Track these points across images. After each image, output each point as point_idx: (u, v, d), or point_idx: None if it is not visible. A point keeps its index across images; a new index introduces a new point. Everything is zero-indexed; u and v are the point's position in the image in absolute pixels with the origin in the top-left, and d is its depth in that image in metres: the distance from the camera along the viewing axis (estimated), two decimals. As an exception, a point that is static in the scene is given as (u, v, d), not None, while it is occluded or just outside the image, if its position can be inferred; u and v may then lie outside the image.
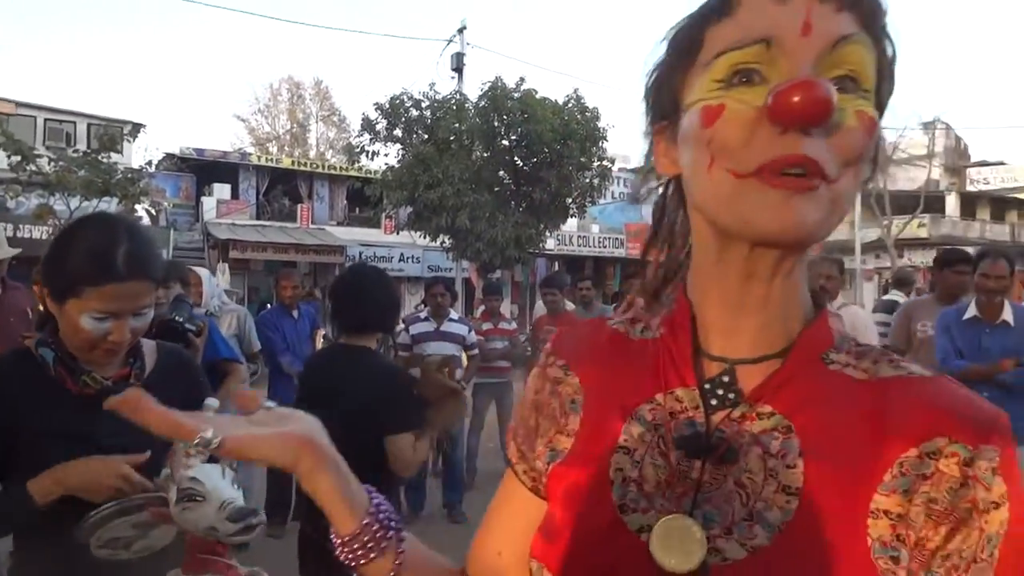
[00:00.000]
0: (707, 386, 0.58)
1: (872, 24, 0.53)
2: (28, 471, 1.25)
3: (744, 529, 0.52)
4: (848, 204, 0.53)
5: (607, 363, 0.66)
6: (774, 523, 0.52)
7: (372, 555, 0.58)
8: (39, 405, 1.31)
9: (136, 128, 17.10)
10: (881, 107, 0.56)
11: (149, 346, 1.48)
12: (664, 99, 0.60)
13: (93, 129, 17.48)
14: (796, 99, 0.47)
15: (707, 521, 0.53)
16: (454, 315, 5.05)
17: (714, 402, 0.58)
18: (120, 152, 14.86)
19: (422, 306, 11.40)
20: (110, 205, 14.16)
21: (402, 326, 5.15)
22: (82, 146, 16.11)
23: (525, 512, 0.68)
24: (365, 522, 0.57)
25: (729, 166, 0.51)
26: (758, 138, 0.50)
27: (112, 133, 14.67)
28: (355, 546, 0.57)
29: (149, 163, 16.57)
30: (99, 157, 14.11)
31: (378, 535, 0.57)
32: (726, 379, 0.58)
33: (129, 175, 14.45)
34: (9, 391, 1.32)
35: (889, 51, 0.55)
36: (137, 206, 15.00)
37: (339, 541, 0.58)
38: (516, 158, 13.96)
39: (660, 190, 0.68)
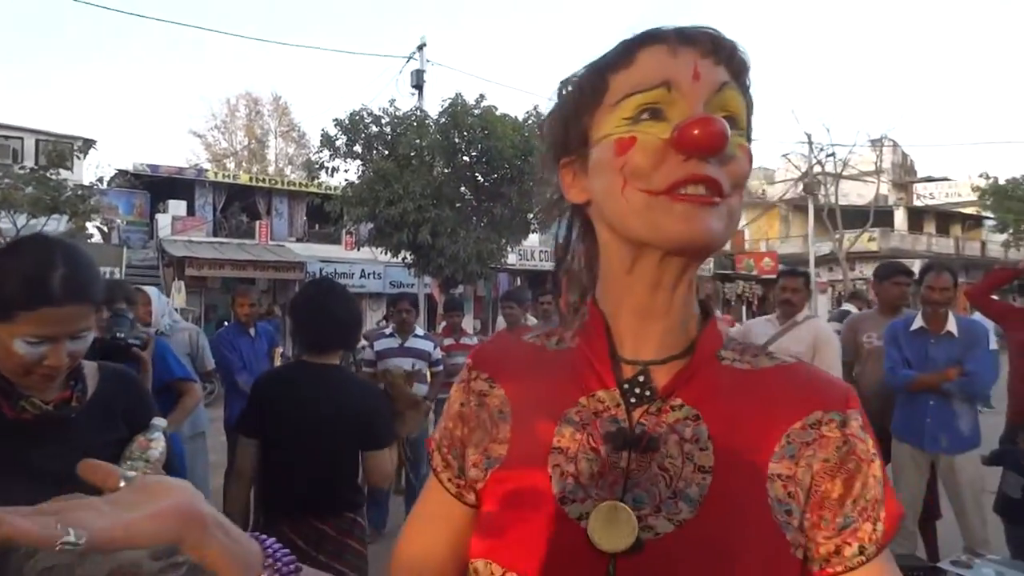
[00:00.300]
0: (626, 386, 0.67)
1: (740, 77, 0.64)
2: None
3: (670, 506, 0.61)
4: (737, 220, 0.63)
5: (529, 374, 0.73)
6: (694, 498, 0.61)
7: None
8: None
9: (87, 144, 16.67)
10: (748, 139, 0.66)
11: (91, 367, 1.44)
12: (571, 136, 0.68)
13: (41, 145, 17.02)
14: (698, 132, 0.57)
15: (637, 503, 0.62)
16: (419, 331, 5.01)
17: (633, 400, 0.66)
18: (70, 169, 14.48)
19: (384, 322, 11.31)
20: (59, 223, 13.77)
21: (365, 342, 5.10)
22: (30, 163, 15.63)
23: (449, 517, 0.74)
24: None
25: (641, 187, 0.60)
26: (667, 164, 0.59)
27: (61, 149, 14.29)
28: None
29: (100, 180, 16.16)
30: (48, 174, 13.73)
31: None
32: (642, 379, 0.66)
33: (79, 192, 14.07)
34: None
35: (750, 102, 0.66)
36: (88, 224, 14.61)
37: None
38: (477, 174, 14.01)
39: (566, 217, 0.76)
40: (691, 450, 0.62)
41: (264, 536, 0.59)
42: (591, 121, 0.66)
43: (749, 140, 0.66)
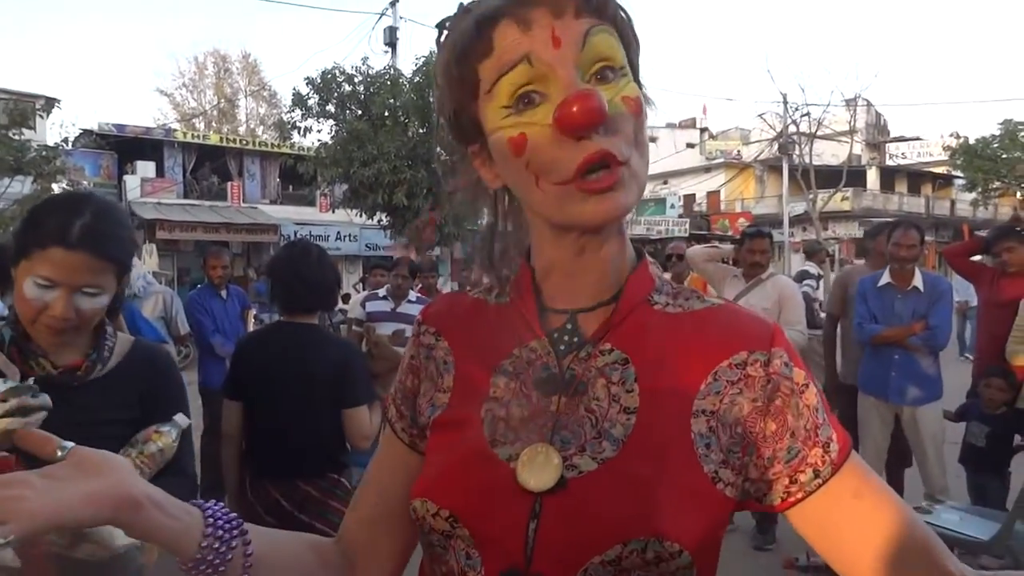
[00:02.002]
0: (555, 335, 0.70)
1: (607, 13, 0.63)
2: None
3: (594, 445, 0.64)
4: (645, 174, 0.64)
5: (470, 328, 0.76)
6: (618, 437, 0.64)
7: (221, 568, 0.59)
8: None
9: (50, 103, 16.14)
10: (635, 67, 0.66)
11: (124, 341, 1.41)
12: (467, 128, 0.69)
13: (1, 104, 16.47)
14: (575, 109, 0.58)
15: (564, 444, 0.64)
16: (413, 297, 5.00)
17: (562, 347, 0.69)
18: (33, 128, 14.03)
19: (360, 285, 11.20)
20: (23, 184, 13.41)
21: (358, 301, 5.09)
22: (-10, 122, 15.13)
23: (404, 466, 0.77)
24: (204, 544, 0.58)
25: (553, 179, 0.62)
26: (564, 149, 0.60)
27: (23, 108, 13.83)
28: (203, 567, 0.58)
29: (65, 140, 15.71)
30: (10, 133, 13.30)
31: (220, 549, 0.59)
32: (569, 327, 0.69)
33: (43, 153, 13.67)
34: None
35: (625, 17, 0.66)
36: (54, 185, 14.21)
37: (185, 568, 0.58)
38: (453, 134, 13.82)
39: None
40: (617, 392, 0.65)
41: (204, 501, 0.61)
42: (478, 113, 0.67)
43: (636, 73, 0.66)
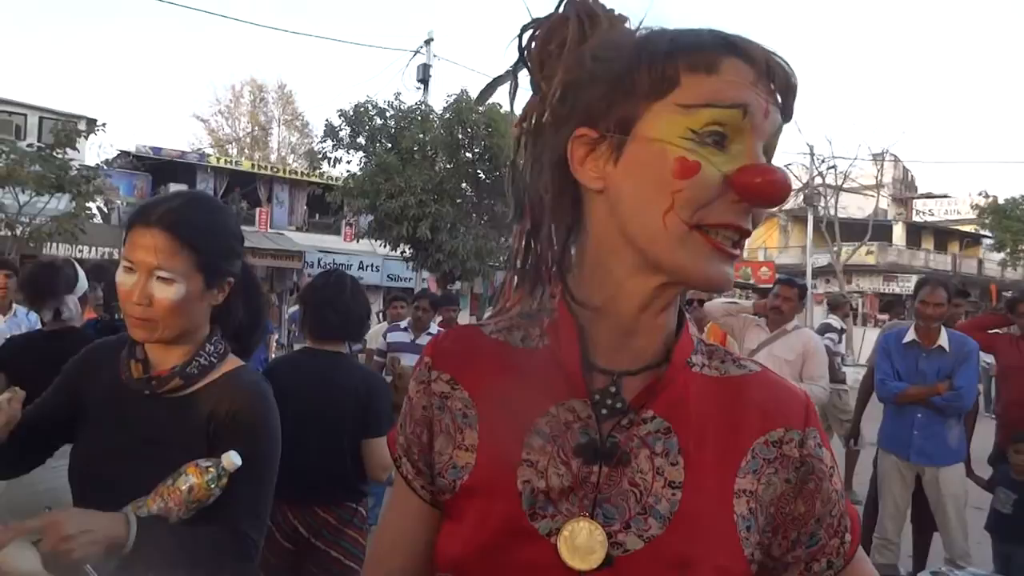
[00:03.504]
0: (597, 397, 0.64)
1: (784, 118, 0.63)
2: (78, 442, 1.27)
3: (640, 522, 0.61)
4: None
5: (495, 375, 0.68)
6: (664, 514, 0.61)
7: None
8: (101, 382, 1.26)
9: (91, 124, 16.63)
10: None
11: (231, 363, 1.30)
12: (612, 113, 0.61)
13: (45, 123, 16.96)
14: (761, 180, 0.57)
15: (607, 519, 0.61)
16: (433, 329, 5.06)
17: (604, 411, 0.64)
18: (76, 148, 14.42)
19: (380, 315, 11.29)
20: (60, 201, 13.73)
21: (379, 332, 5.16)
22: (32, 139, 15.58)
23: (425, 524, 0.72)
24: None
25: (685, 218, 0.58)
26: (719, 202, 0.58)
27: (69, 130, 14.22)
28: None
29: (106, 161, 16.11)
30: (53, 153, 13.68)
31: None
32: (613, 390, 0.64)
33: (84, 173, 14.02)
34: (94, 361, 1.30)
35: None
36: (90, 204, 14.54)
37: None
38: (479, 171, 14.01)
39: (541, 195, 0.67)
40: (661, 465, 0.62)
41: None
42: (644, 110, 0.60)
43: None
